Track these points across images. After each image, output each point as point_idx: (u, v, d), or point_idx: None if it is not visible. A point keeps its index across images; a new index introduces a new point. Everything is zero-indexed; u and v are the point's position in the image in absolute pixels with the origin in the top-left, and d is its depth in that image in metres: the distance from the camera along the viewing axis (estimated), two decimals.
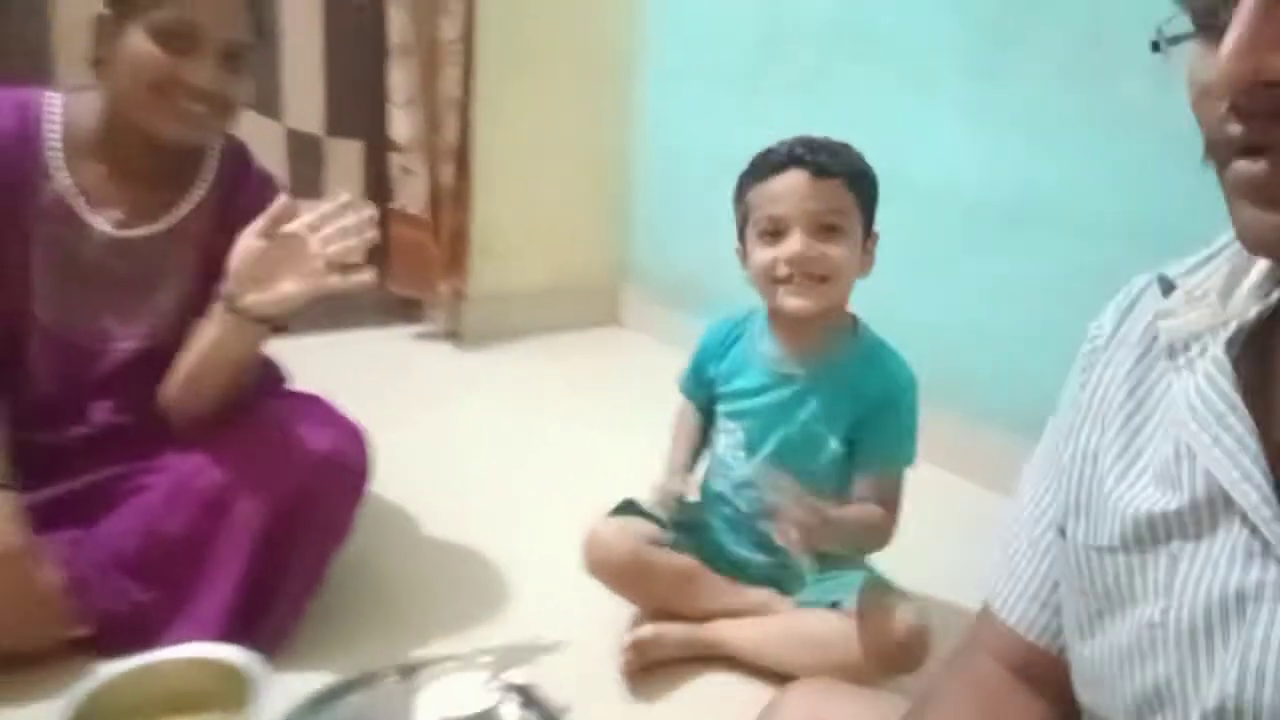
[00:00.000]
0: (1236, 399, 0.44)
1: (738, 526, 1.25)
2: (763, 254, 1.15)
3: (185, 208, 1.15)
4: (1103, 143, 1.60)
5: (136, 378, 1.14)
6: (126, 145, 1.10)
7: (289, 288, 1.02)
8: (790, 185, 1.12)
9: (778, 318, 1.21)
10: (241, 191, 1.18)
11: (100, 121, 1.10)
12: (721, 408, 1.27)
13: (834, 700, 0.74)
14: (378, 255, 2.39)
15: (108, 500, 1.12)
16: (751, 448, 1.22)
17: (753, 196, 1.16)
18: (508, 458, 1.84)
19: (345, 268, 1.03)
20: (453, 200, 2.39)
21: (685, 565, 1.23)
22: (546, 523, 1.55)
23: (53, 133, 1.09)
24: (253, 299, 1.03)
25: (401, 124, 2.28)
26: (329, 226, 1.03)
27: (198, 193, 1.16)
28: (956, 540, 1.48)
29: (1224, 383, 0.44)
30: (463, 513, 1.58)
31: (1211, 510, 0.44)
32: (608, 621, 1.26)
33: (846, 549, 1.16)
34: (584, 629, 1.25)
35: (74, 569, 1.05)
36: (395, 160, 2.33)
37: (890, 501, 1.16)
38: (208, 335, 1.07)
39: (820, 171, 1.11)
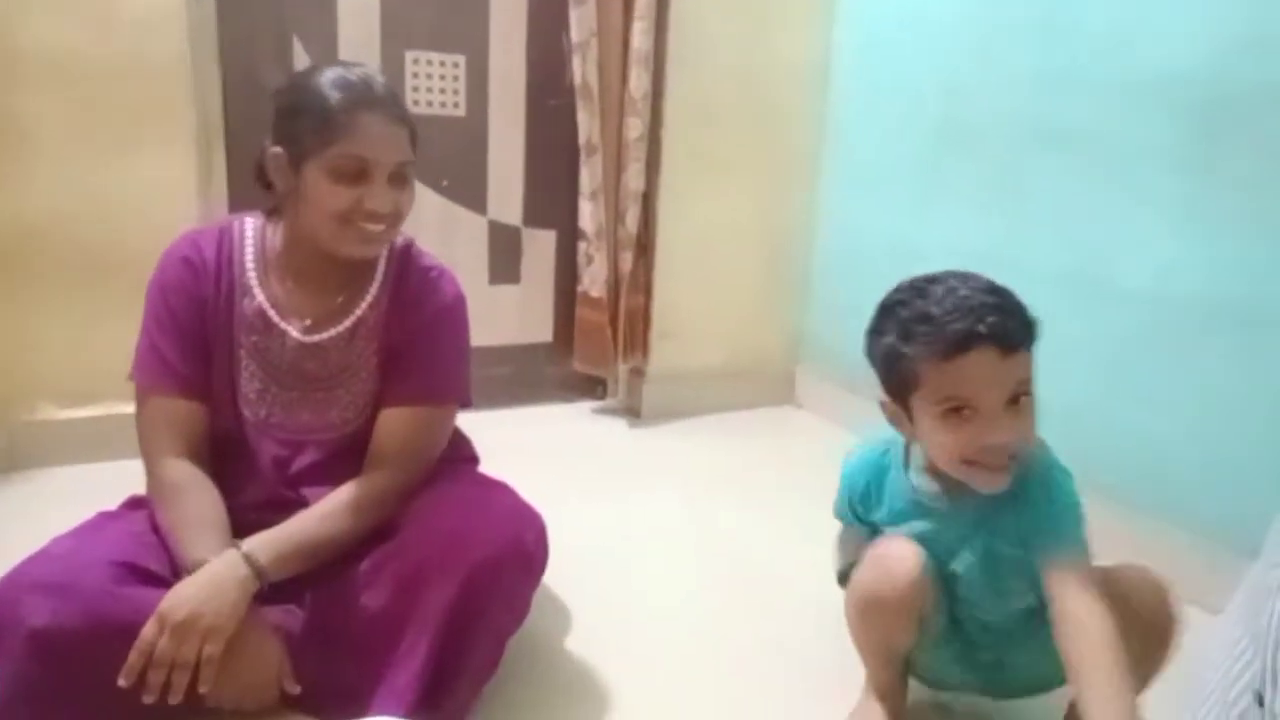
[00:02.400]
0: None
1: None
2: (946, 435, 1.04)
3: (361, 307, 1.26)
4: None
5: (337, 462, 1.26)
6: (309, 262, 1.24)
7: None
8: (978, 368, 1.00)
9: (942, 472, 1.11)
10: (408, 284, 1.29)
11: (285, 244, 1.25)
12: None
13: None
14: (565, 335, 2.60)
15: (313, 575, 1.19)
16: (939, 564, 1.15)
17: (925, 370, 1.03)
18: (680, 538, 1.86)
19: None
20: (632, 285, 2.52)
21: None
22: (719, 608, 1.57)
23: (248, 255, 1.25)
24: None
25: (587, 215, 2.44)
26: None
27: (370, 293, 1.27)
28: None
29: None
30: (634, 592, 1.62)
31: None
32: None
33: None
34: None
35: (289, 638, 1.15)
36: (581, 248, 2.49)
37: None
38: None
39: (1009, 347, 1.00)
